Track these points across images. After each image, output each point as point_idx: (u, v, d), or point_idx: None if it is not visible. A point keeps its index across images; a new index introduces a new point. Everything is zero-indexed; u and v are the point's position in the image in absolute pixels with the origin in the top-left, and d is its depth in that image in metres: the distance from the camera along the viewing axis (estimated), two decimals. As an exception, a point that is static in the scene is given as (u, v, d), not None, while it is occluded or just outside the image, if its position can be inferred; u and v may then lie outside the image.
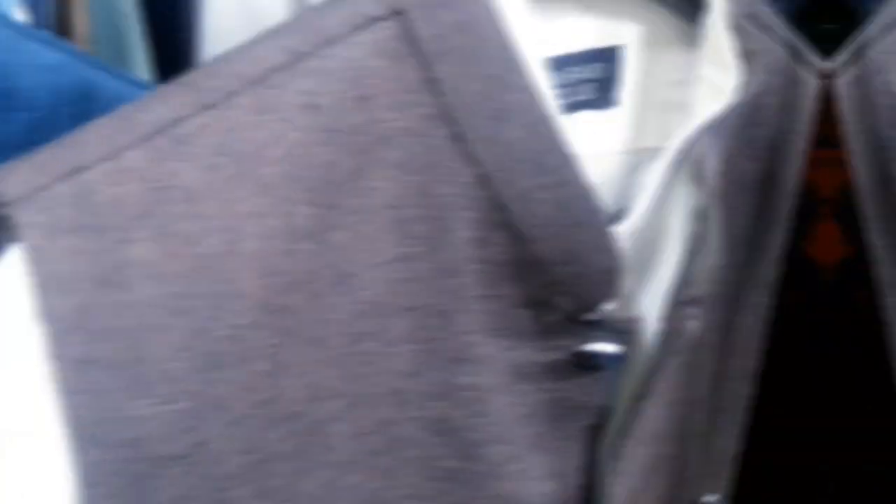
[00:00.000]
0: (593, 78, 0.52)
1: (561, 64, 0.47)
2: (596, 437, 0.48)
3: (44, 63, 0.47)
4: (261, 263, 0.40)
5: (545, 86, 0.43)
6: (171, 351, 0.39)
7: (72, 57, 0.48)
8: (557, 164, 0.43)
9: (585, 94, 0.51)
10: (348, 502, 0.45)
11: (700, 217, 0.48)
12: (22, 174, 0.38)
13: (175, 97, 0.40)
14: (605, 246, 0.44)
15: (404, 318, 0.44)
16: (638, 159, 0.54)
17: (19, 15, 0.62)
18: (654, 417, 0.49)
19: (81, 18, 0.71)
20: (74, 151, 0.39)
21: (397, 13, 0.42)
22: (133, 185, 0.39)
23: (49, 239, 0.38)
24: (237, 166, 0.40)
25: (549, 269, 0.44)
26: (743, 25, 0.50)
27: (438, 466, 0.46)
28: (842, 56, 0.53)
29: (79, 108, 0.48)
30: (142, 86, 0.50)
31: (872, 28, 0.52)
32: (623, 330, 0.46)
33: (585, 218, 0.44)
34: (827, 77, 0.53)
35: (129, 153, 0.39)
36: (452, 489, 0.46)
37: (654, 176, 0.48)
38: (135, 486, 0.39)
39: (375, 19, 0.42)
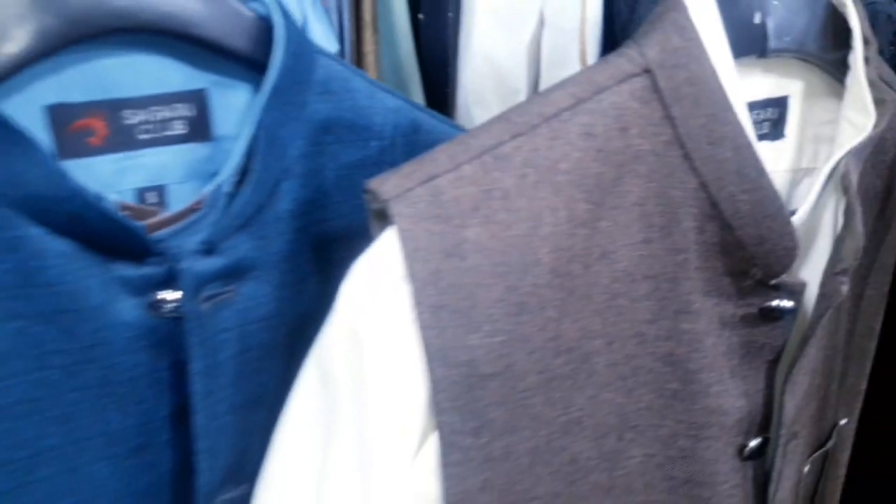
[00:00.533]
0: (769, 118, 0.53)
1: (749, 108, 0.49)
2: (774, 368, 0.50)
3: (389, 106, 0.50)
4: (553, 242, 0.42)
5: (746, 122, 0.45)
6: (493, 301, 0.42)
7: (405, 102, 0.50)
8: (754, 175, 0.44)
9: (764, 129, 0.53)
10: (605, 412, 0.47)
11: (846, 214, 0.49)
12: (393, 181, 0.41)
13: (495, 128, 0.43)
14: (786, 232, 0.46)
15: (646, 283, 0.45)
16: (798, 176, 0.56)
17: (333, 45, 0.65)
18: (813, 356, 0.50)
19: (371, 60, 0.74)
20: (429, 165, 0.41)
21: (647, 71, 0.43)
22: (468, 188, 0.41)
23: (413, 224, 0.40)
24: (538, 175, 0.42)
25: (747, 248, 0.45)
26: (876, 81, 0.50)
27: (666, 388, 0.48)
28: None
29: (410, 138, 0.50)
30: (448, 123, 0.53)
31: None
32: (795, 291, 0.47)
33: (773, 212, 0.45)
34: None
35: (465, 166, 0.41)
36: (675, 404, 0.48)
37: (813, 186, 0.49)
38: (466, 393, 0.42)
39: (632, 75, 0.43)
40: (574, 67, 0.78)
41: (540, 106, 0.42)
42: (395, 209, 0.39)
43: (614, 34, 0.81)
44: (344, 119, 0.46)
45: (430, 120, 0.50)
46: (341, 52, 0.73)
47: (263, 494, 0.43)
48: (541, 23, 0.79)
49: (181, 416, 0.43)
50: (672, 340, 0.46)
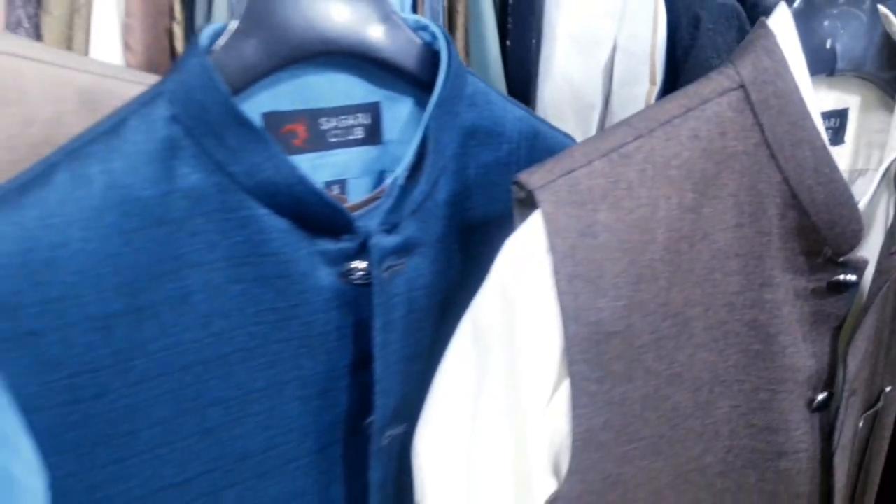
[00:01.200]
0: (832, 127, 0.61)
1: (816, 117, 0.56)
2: (838, 334, 0.57)
3: (516, 116, 0.58)
4: (666, 224, 0.50)
5: (821, 128, 0.53)
6: (617, 272, 0.49)
7: (527, 113, 0.59)
8: (828, 171, 0.52)
9: (828, 136, 0.61)
10: (700, 369, 0.54)
11: (897, 205, 0.57)
12: (539, 174, 0.49)
13: (620, 131, 0.51)
14: (854, 217, 0.53)
15: (737, 260, 0.53)
16: (854, 176, 0.64)
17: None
18: (871, 324, 0.58)
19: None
20: (567, 161, 0.49)
21: (741, 86, 0.51)
22: (599, 179, 0.49)
23: (555, 208, 0.48)
24: (655, 170, 0.50)
25: (820, 231, 0.53)
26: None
27: (750, 349, 0.55)
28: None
29: (531, 142, 0.58)
30: (559, 130, 0.61)
31: None
32: (859, 267, 0.55)
33: (843, 201, 0.53)
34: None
35: (596, 162, 0.49)
36: (757, 362, 0.56)
37: (869, 184, 0.57)
38: (594, 348, 0.50)
39: (730, 89, 0.51)
40: (643, 86, 0.86)
41: (656, 113, 0.50)
42: (540, 196, 0.47)
43: (676, 58, 0.89)
44: (484, 126, 0.54)
45: (546, 128, 0.58)
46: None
47: (424, 430, 0.51)
48: (614, 48, 0.87)
49: (360, 365, 0.51)
50: (756, 308, 0.54)
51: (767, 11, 0.71)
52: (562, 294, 0.47)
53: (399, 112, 0.54)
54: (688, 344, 0.52)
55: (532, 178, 0.48)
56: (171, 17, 0.94)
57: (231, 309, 0.47)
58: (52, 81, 0.47)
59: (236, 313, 0.47)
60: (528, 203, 0.49)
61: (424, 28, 0.51)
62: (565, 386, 0.50)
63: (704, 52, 0.89)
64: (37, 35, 0.89)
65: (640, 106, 0.88)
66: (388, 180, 0.49)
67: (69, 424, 0.43)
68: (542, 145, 0.57)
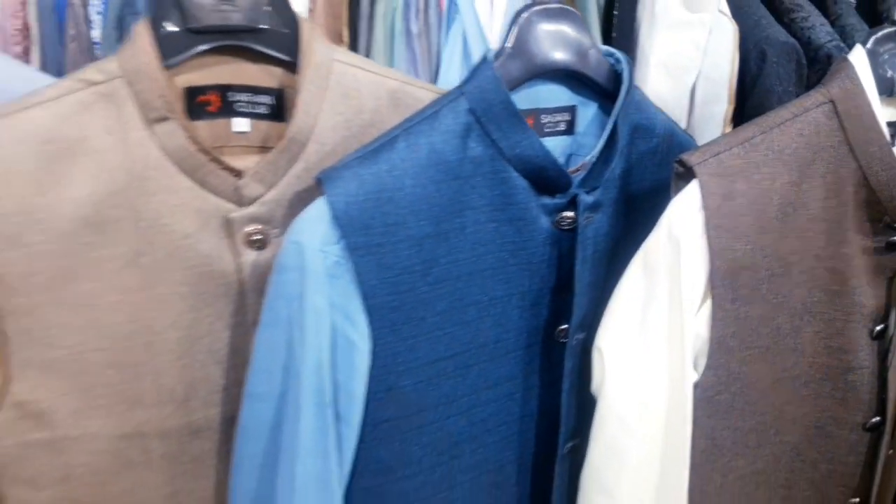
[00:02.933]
0: (892, 133, 0.84)
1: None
2: (892, 282, 0.80)
3: (661, 118, 0.80)
4: (780, 193, 0.72)
5: (885, 133, 0.76)
6: (747, 225, 0.71)
7: (667, 117, 0.81)
8: (889, 161, 0.75)
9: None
10: (795, 301, 0.76)
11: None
12: (697, 155, 0.70)
13: (750, 129, 0.73)
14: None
15: (823, 223, 0.75)
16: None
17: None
18: (917, 276, 0.81)
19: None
20: (715, 147, 0.71)
21: (831, 101, 0.74)
22: (736, 160, 0.71)
23: (707, 179, 0.70)
24: (774, 155, 0.72)
25: (882, 203, 0.76)
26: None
27: (830, 288, 0.77)
28: None
29: (669, 138, 0.80)
30: (683, 131, 0.84)
31: None
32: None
33: (900, 183, 0.76)
34: None
35: (735, 148, 0.71)
36: (834, 299, 0.77)
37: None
38: (730, 277, 0.72)
39: (823, 103, 0.74)
40: (723, 105, 1.10)
41: (774, 118, 0.73)
42: (698, 170, 0.70)
43: (744, 83, 1.13)
44: (643, 125, 0.77)
45: (677, 128, 0.81)
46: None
47: (604, 331, 0.73)
48: (699, 74, 1.10)
49: (560, 287, 0.74)
50: (835, 259, 0.76)
51: (818, 48, 0.96)
52: (710, 238, 0.70)
53: (587, 113, 0.77)
54: (788, 281, 0.75)
55: (692, 158, 0.71)
56: (340, 40, 1.18)
57: (488, 239, 0.69)
58: (373, 84, 0.70)
59: (490, 242, 0.70)
60: (684, 176, 0.72)
61: (611, 55, 0.74)
62: (707, 304, 0.72)
63: (769, 79, 1.13)
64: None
65: (719, 121, 1.12)
66: (587, 158, 0.72)
67: (389, 308, 0.66)
68: (676, 140, 0.80)
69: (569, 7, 0.70)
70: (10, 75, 0.68)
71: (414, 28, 1.19)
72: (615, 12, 1.19)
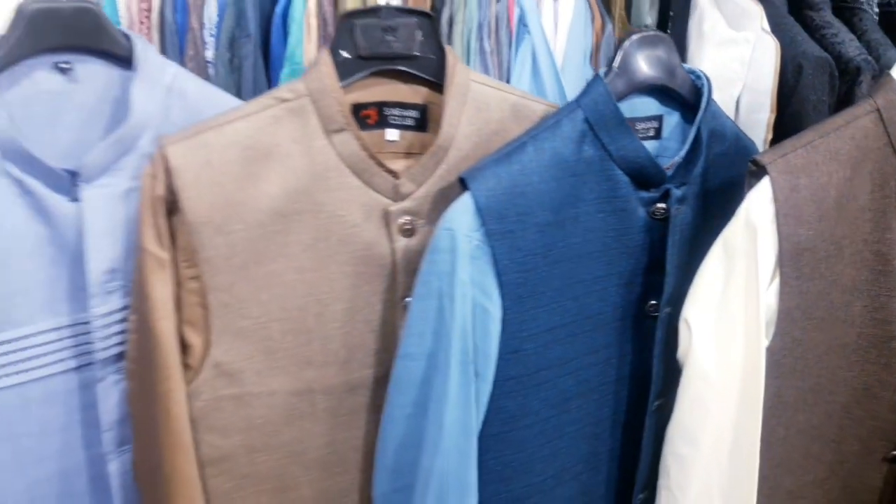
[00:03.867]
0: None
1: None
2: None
3: (729, 125, 0.95)
4: (835, 188, 0.88)
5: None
6: (810, 213, 0.86)
7: (734, 124, 0.96)
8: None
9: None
10: (846, 279, 0.91)
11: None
12: (768, 155, 0.84)
13: (809, 133, 0.87)
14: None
15: (870, 213, 0.89)
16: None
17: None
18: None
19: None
20: (782, 149, 0.85)
21: (877, 110, 0.89)
22: (800, 160, 0.85)
23: (776, 175, 0.83)
24: (830, 156, 0.86)
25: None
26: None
27: (875, 268, 0.91)
28: None
29: (735, 142, 0.94)
30: (745, 135, 0.98)
31: None
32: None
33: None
34: None
35: (799, 150, 0.85)
36: (879, 277, 0.91)
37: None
38: (795, 257, 0.87)
39: (871, 112, 0.89)
40: (766, 113, 1.24)
41: (830, 124, 0.88)
42: (769, 168, 0.85)
43: (783, 93, 1.27)
44: (717, 130, 0.92)
45: (741, 133, 0.96)
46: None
47: (690, 304, 0.88)
48: (744, 86, 1.24)
49: (651, 268, 0.88)
50: (880, 243, 0.91)
51: (848, 61, 1.11)
52: (779, 225, 0.84)
53: (671, 121, 0.91)
54: (841, 262, 0.89)
55: (763, 158, 0.85)
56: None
57: (596, 227, 0.84)
58: (499, 99, 0.85)
59: (598, 230, 0.84)
60: (757, 174, 0.86)
61: (693, 72, 0.89)
62: (776, 281, 0.86)
63: (805, 89, 1.28)
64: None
65: (762, 127, 1.26)
66: (675, 158, 0.87)
67: (516, 284, 0.80)
68: (741, 144, 0.95)
69: (662, 34, 0.84)
70: (206, 95, 0.82)
71: (487, 46, 1.34)
72: (668, 31, 1.33)
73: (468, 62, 1.34)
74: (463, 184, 0.77)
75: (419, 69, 0.81)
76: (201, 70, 1.31)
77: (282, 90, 0.77)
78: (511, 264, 0.79)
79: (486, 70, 1.34)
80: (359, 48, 0.78)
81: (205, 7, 1.27)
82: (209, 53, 1.32)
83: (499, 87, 0.85)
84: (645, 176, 0.83)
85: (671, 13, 1.31)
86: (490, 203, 0.77)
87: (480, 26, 1.32)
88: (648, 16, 1.34)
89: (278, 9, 1.30)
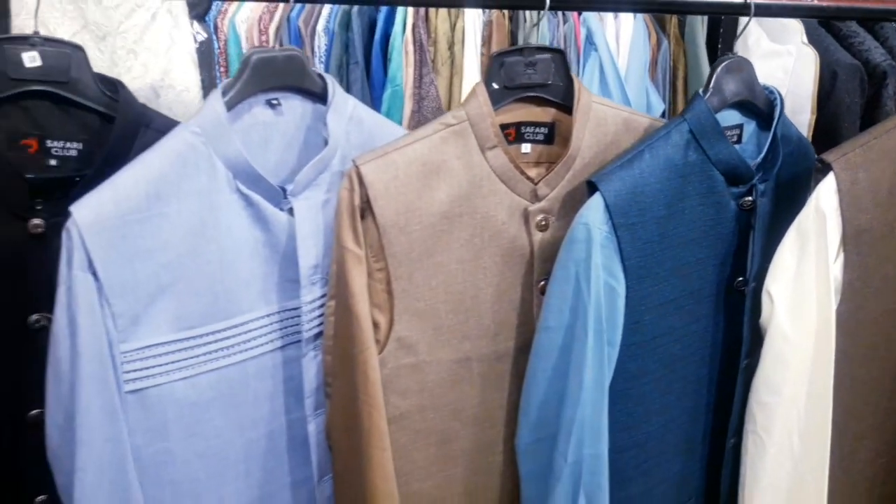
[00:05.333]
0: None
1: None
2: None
3: (795, 132, 1.14)
4: (888, 178, 1.07)
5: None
6: (868, 199, 1.05)
7: (796, 128, 1.15)
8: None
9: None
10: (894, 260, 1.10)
11: None
12: (832, 154, 1.04)
13: (865, 136, 1.07)
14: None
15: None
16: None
17: (662, 105, 1.31)
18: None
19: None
20: (842, 149, 1.05)
21: (920, 113, 1.09)
22: (858, 157, 1.05)
23: (840, 171, 1.04)
24: (884, 154, 1.06)
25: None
26: None
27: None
28: None
29: (797, 143, 1.14)
30: (805, 138, 1.17)
31: None
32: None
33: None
34: None
35: (857, 148, 1.05)
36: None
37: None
38: (855, 237, 1.06)
39: (914, 115, 1.08)
40: (807, 115, 1.43)
41: (882, 128, 1.07)
42: (833, 166, 1.04)
43: (820, 97, 1.46)
44: (786, 134, 1.11)
45: (803, 136, 1.14)
46: (666, 110, 1.40)
47: (771, 279, 1.07)
48: (787, 91, 1.43)
49: (738, 250, 1.07)
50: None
51: (875, 66, 1.30)
52: (843, 211, 1.04)
53: (749, 129, 1.10)
54: (893, 241, 1.08)
55: (828, 157, 1.04)
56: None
57: (697, 218, 1.02)
58: (614, 116, 1.03)
59: (699, 220, 1.03)
60: (823, 170, 1.05)
61: (767, 88, 1.07)
62: (841, 257, 1.06)
63: (840, 93, 1.47)
64: (434, 87, 1.44)
65: (804, 127, 1.44)
66: (757, 159, 1.05)
67: (637, 267, 0.98)
68: (802, 144, 1.14)
69: (744, 59, 1.03)
70: (376, 122, 1.00)
71: (559, 62, 1.52)
72: (719, 46, 1.52)
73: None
74: (592, 186, 0.96)
75: (551, 94, 1.00)
76: (314, 93, 1.49)
77: (447, 117, 0.95)
78: (633, 251, 0.97)
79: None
80: (505, 80, 0.96)
81: (315, 37, 1.46)
82: (320, 78, 1.50)
83: (612, 106, 1.04)
84: (736, 175, 1.02)
85: (721, 30, 1.49)
86: (616, 201, 0.95)
87: (551, 44, 1.51)
88: (700, 34, 1.53)
89: (377, 37, 1.48)
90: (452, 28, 1.49)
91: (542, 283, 1.02)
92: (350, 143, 0.97)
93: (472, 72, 1.48)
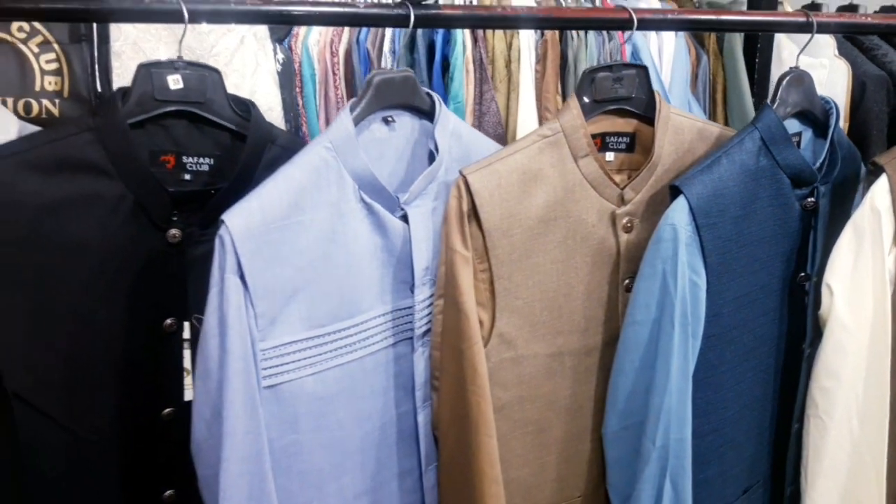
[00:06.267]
0: None
1: None
2: None
3: (847, 140, 1.25)
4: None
5: None
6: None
7: (847, 137, 1.25)
8: None
9: None
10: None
11: None
12: (884, 158, 1.15)
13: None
14: None
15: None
16: None
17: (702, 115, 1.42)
18: None
19: (721, 121, 1.50)
20: (889, 155, 1.16)
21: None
22: (906, 162, 1.16)
23: (892, 172, 1.15)
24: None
25: None
26: None
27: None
28: None
29: (848, 149, 1.24)
30: (853, 145, 1.27)
31: None
32: None
33: None
34: None
35: (904, 155, 1.16)
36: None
37: None
38: None
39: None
40: (840, 122, 1.53)
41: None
42: (886, 167, 1.14)
43: (850, 105, 1.57)
44: (839, 140, 1.21)
45: (852, 143, 1.24)
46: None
47: (830, 273, 1.16)
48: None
49: (801, 246, 1.17)
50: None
51: None
52: (895, 209, 1.13)
53: (806, 136, 1.20)
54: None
55: (880, 160, 1.15)
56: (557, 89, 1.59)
57: (767, 218, 1.12)
58: (689, 125, 1.13)
59: (768, 220, 1.12)
60: (875, 172, 1.15)
61: (825, 99, 1.17)
62: (894, 251, 1.15)
63: (869, 102, 1.58)
64: (494, 103, 1.53)
65: (837, 135, 1.54)
66: (816, 164, 1.15)
67: (717, 263, 1.08)
68: (851, 149, 1.24)
69: (805, 72, 1.13)
70: (472, 136, 1.09)
71: (604, 78, 1.61)
72: (756, 59, 1.63)
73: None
74: (675, 190, 1.05)
75: (633, 106, 1.09)
76: (380, 110, 1.57)
77: (543, 129, 1.04)
78: (713, 249, 1.06)
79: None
80: (595, 94, 1.06)
81: (382, 59, 1.54)
82: (385, 96, 1.59)
83: (687, 116, 1.13)
84: (801, 178, 1.12)
85: (759, 45, 1.60)
86: (699, 203, 1.04)
87: (599, 63, 1.61)
88: (738, 48, 1.63)
89: (437, 58, 1.57)
90: (509, 47, 1.58)
91: (627, 281, 1.10)
92: (451, 156, 1.06)
93: (527, 88, 1.57)
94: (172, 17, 0.86)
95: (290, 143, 1.00)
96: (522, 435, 1.10)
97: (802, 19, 1.12)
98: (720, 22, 1.19)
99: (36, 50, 1.21)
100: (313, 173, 0.93)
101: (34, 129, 0.96)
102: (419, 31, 1.51)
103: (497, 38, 1.55)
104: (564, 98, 1.59)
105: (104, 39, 1.25)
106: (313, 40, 1.50)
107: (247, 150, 0.97)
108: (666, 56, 1.66)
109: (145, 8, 0.88)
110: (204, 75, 0.95)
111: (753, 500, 1.24)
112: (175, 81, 0.94)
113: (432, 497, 1.11)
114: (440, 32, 1.56)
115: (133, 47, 1.29)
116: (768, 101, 1.10)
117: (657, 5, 1.76)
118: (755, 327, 1.15)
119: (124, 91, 0.93)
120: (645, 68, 1.08)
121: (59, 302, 0.92)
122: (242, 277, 0.89)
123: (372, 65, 1.52)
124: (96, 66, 1.25)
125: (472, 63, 1.54)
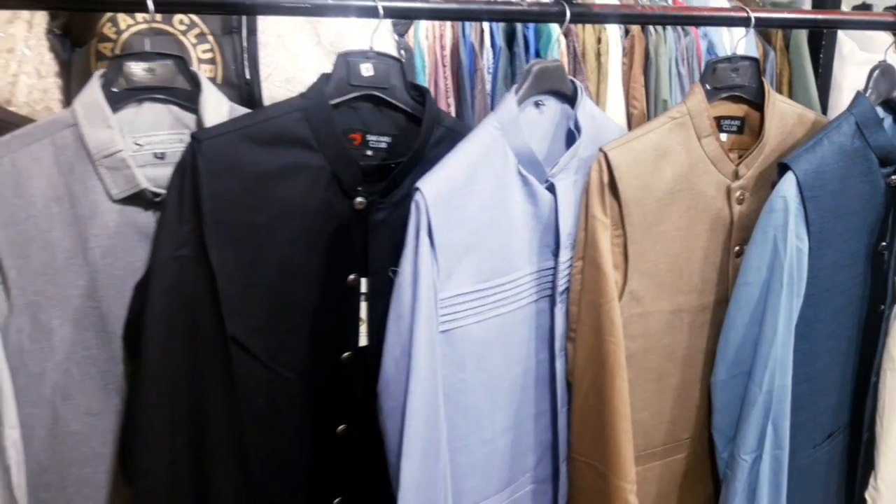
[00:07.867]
0: None
1: None
2: None
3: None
4: None
5: None
6: None
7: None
8: None
9: None
10: None
11: None
12: None
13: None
14: None
15: None
16: None
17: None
18: None
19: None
20: None
21: None
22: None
23: None
24: None
25: None
26: None
27: None
28: None
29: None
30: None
31: None
32: None
33: None
34: None
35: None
36: None
37: None
38: None
39: None
40: None
41: None
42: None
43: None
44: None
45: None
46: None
47: None
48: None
49: (884, 218, 1.31)
50: None
51: None
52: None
53: (887, 121, 1.35)
54: None
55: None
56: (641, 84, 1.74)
57: (858, 193, 1.27)
58: (791, 111, 1.27)
59: (859, 195, 1.27)
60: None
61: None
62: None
63: None
64: (588, 92, 1.67)
65: None
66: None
67: (817, 231, 1.22)
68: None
69: (891, 65, 1.27)
70: (602, 118, 1.24)
71: (682, 71, 1.76)
72: (820, 56, 1.77)
73: (670, 85, 1.77)
74: (783, 167, 1.19)
75: (745, 93, 1.24)
76: (484, 100, 1.71)
77: (672, 112, 1.19)
78: (816, 218, 1.21)
79: (682, 89, 1.76)
80: (715, 82, 1.20)
81: (483, 52, 1.69)
82: (488, 87, 1.73)
83: (789, 103, 1.28)
84: (888, 158, 1.26)
85: (823, 42, 1.75)
86: (805, 178, 1.19)
87: (676, 56, 1.75)
88: (804, 46, 1.78)
89: (532, 51, 1.71)
90: (598, 41, 1.72)
91: (738, 248, 1.25)
92: (588, 136, 1.20)
93: (616, 79, 1.72)
94: (366, 12, 1.01)
95: (454, 125, 1.14)
96: (645, 382, 1.25)
97: (892, 20, 1.27)
98: (817, 21, 1.33)
99: (194, 41, 1.34)
100: (484, 149, 1.07)
101: (243, 110, 1.10)
102: (519, 25, 1.65)
103: (587, 32, 1.69)
104: (647, 89, 1.73)
105: (252, 31, 1.39)
106: (422, 34, 1.64)
107: (423, 131, 1.11)
108: (738, 52, 1.80)
109: (293, 5, 1.03)
110: (389, 64, 1.09)
111: (836, 443, 1.39)
112: (367, 69, 1.07)
113: (564, 436, 1.25)
114: (531, 28, 1.70)
115: (278, 39, 1.43)
116: (861, 90, 1.25)
117: (725, 4, 1.90)
118: (845, 289, 1.29)
119: (327, 76, 1.07)
120: (756, 60, 1.23)
121: (269, 256, 1.05)
122: (431, 237, 1.02)
123: (476, 57, 1.66)
124: (245, 56, 1.39)
125: (567, 55, 1.68)
